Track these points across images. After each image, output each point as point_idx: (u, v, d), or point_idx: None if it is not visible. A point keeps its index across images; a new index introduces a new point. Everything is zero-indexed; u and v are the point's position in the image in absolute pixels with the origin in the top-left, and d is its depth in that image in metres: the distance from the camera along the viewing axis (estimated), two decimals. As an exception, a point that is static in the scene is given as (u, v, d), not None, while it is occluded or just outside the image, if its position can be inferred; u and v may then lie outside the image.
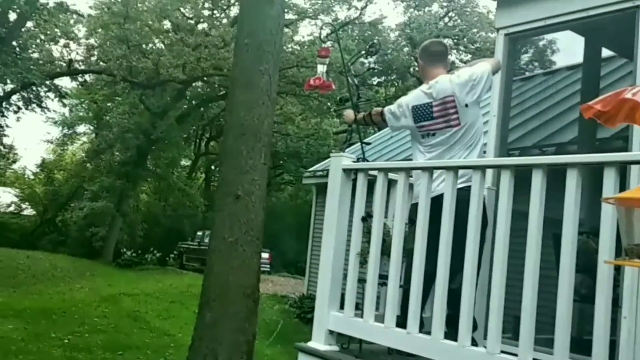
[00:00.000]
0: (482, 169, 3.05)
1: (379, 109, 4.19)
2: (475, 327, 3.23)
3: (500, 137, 4.50)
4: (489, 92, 4.03)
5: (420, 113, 3.84)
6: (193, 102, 29.69)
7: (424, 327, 3.32)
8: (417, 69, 29.77)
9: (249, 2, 7.12)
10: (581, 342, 2.95)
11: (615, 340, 3.15)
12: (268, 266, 23.01)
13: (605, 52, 5.46)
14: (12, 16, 20.12)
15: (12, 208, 31.99)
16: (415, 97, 3.95)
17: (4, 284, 15.23)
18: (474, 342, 3.05)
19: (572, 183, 2.63)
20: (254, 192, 6.59)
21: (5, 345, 8.96)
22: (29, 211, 32.28)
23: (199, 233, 25.42)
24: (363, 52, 4.85)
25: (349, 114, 4.19)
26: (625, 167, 3.24)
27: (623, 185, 2.85)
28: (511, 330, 3.32)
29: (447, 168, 3.20)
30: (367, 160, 4.20)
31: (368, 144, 4.74)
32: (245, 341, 6.43)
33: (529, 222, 2.74)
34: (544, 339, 2.98)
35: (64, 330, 10.32)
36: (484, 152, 4.28)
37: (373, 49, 4.55)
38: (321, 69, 4.21)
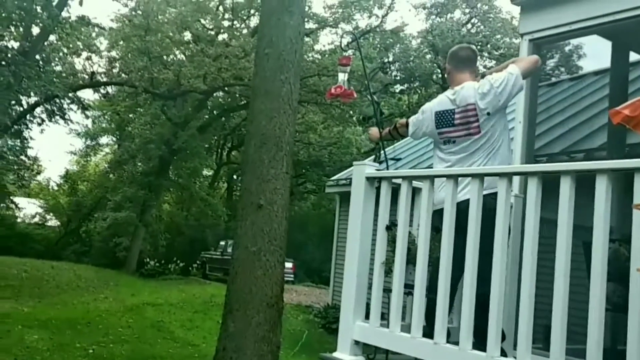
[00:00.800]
0: (508, 176, 3.00)
1: (404, 120, 4.17)
2: (503, 337, 3.17)
3: (527, 144, 4.44)
4: (516, 97, 3.96)
5: (443, 119, 3.81)
6: (214, 112, 29.85)
7: (450, 337, 3.27)
8: (439, 75, 29.82)
9: (269, 12, 7.11)
10: (614, 352, 2.88)
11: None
12: (292, 276, 22.97)
13: (634, 56, 5.37)
14: (35, 30, 20.37)
15: (36, 219, 32.37)
16: (439, 102, 3.92)
17: (29, 294, 15.37)
18: (503, 353, 2.98)
19: (602, 189, 2.57)
20: (277, 201, 6.56)
21: (31, 356, 9.02)
22: (53, 222, 32.66)
23: (222, 243, 25.47)
24: (377, 69, 4.82)
25: (374, 132, 4.18)
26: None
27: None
28: (541, 340, 3.25)
29: (472, 175, 3.15)
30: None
31: (398, 159, 4.71)
32: (270, 351, 6.39)
33: (557, 229, 2.68)
34: (576, 349, 2.91)
35: (89, 340, 10.37)
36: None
37: (387, 66, 4.53)
38: (342, 77, 4.19)
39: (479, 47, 29.55)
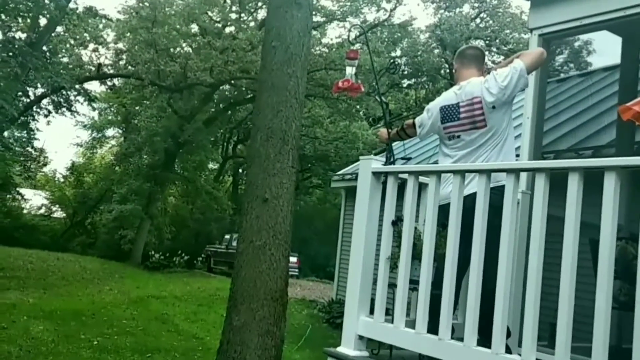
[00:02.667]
0: (515, 172, 2.98)
1: (410, 121, 4.16)
2: (508, 334, 3.15)
3: (535, 140, 4.41)
4: (523, 91, 3.94)
5: (448, 113, 3.80)
6: (220, 105, 29.84)
7: (454, 333, 3.25)
8: (447, 70, 29.71)
9: (277, 4, 7.08)
10: (621, 351, 2.86)
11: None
12: (296, 270, 23.01)
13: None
14: (43, 21, 20.39)
15: (42, 210, 32.53)
16: (445, 97, 3.92)
17: (35, 285, 15.42)
18: (508, 350, 2.97)
19: (610, 187, 2.54)
20: (282, 195, 6.55)
21: (36, 346, 9.04)
22: (59, 214, 32.80)
23: (227, 236, 25.52)
24: (385, 70, 4.80)
25: (383, 132, 4.17)
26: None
27: (664, 189, 2.75)
28: (547, 337, 3.23)
29: (479, 171, 3.12)
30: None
31: (409, 158, 4.69)
32: (274, 345, 6.38)
33: (565, 227, 2.66)
34: (582, 347, 2.89)
35: (93, 331, 10.39)
36: (517, 155, 4.20)
37: (393, 68, 4.50)
38: (350, 71, 4.17)
39: (487, 41, 29.47)
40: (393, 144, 4.25)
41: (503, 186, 3.00)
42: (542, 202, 2.78)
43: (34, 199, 32.67)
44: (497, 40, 29.98)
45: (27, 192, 32.41)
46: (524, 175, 3.99)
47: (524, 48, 5.04)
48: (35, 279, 16.66)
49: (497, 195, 3.04)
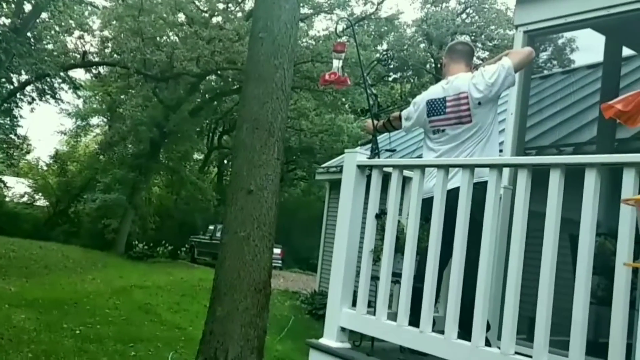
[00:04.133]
0: (498, 167, 3.02)
1: (397, 113, 4.18)
2: (488, 327, 3.19)
3: (518, 136, 4.45)
4: (509, 89, 3.97)
5: (434, 107, 3.83)
6: (207, 95, 29.71)
7: (435, 326, 3.29)
8: (433, 65, 29.78)
9: (265, -5, 7.08)
10: (597, 345, 2.90)
11: (632, 344, 3.10)
12: (280, 262, 23.04)
13: (626, 51, 5.38)
14: (27, 7, 20.18)
15: (25, 199, 32.24)
16: (432, 91, 3.96)
17: (17, 274, 15.32)
18: (488, 343, 3.01)
19: (591, 183, 2.58)
20: (267, 187, 6.57)
21: (17, 335, 9.01)
22: (42, 202, 32.53)
23: (211, 227, 25.47)
24: (376, 62, 4.81)
25: (369, 124, 4.18)
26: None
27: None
28: (526, 331, 3.28)
29: (463, 166, 3.16)
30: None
31: (394, 150, 4.71)
32: (256, 336, 6.42)
33: (545, 222, 2.70)
34: (560, 340, 2.94)
35: (76, 321, 10.36)
36: (500, 150, 4.24)
37: (385, 59, 4.52)
38: (337, 63, 4.17)
39: (473, 37, 29.58)
40: (379, 136, 4.27)
41: (486, 182, 3.04)
42: (524, 198, 2.82)
43: (16, 187, 32.38)
44: (483, 36, 30.14)
45: (9, 180, 32.14)
46: (506, 171, 4.03)
47: (509, 44, 5.08)
48: (17, 267, 16.56)
49: (479, 190, 3.08)
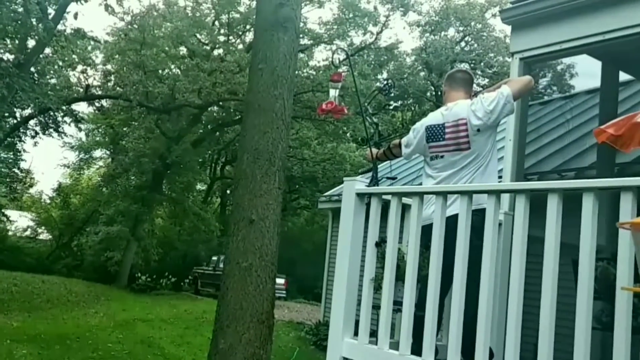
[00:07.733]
0: (496, 193, 3.01)
1: (397, 141, 4.20)
2: (491, 355, 3.16)
3: (517, 162, 4.45)
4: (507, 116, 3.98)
5: (433, 133, 3.84)
6: (208, 126, 29.82)
7: (438, 354, 3.26)
8: (433, 93, 29.93)
9: (263, 27, 7.14)
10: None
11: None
12: (284, 292, 22.90)
13: (624, 76, 5.41)
14: (31, 43, 20.38)
15: (28, 232, 32.19)
16: (431, 117, 3.97)
17: (19, 308, 15.26)
18: (491, 371, 2.98)
19: (589, 208, 2.58)
20: (269, 216, 6.55)
21: (19, 371, 8.95)
22: (44, 235, 32.45)
23: (214, 258, 25.36)
24: (377, 91, 4.83)
25: (369, 152, 4.20)
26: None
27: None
28: (530, 358, 3.24)
29: (461, 192, 3.15)
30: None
31: (395, 178, 4.72)
32: (259, 368, 6.35)
33: (545, 247, 2.69)
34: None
35: (78, 356, 10.28)
36: (500, 177, 4.24)
37: (386, 89, 4.54)
38: (333, 93, 4.20)
39: (472, 65, 29.74)
40: (380, 164, 4.27)
41: (485, 209, 3.03)
42: (523, 223, 2.81)
43: (19, 221, 32.35)
44: (482, 64, 30.28)
45: (12, 214, 32.08)
46: (506, 197, 4.02)
47: (509, 71, 5.09)
48: (20, 301, 16.49)
49: (479, 217, 3.07)
